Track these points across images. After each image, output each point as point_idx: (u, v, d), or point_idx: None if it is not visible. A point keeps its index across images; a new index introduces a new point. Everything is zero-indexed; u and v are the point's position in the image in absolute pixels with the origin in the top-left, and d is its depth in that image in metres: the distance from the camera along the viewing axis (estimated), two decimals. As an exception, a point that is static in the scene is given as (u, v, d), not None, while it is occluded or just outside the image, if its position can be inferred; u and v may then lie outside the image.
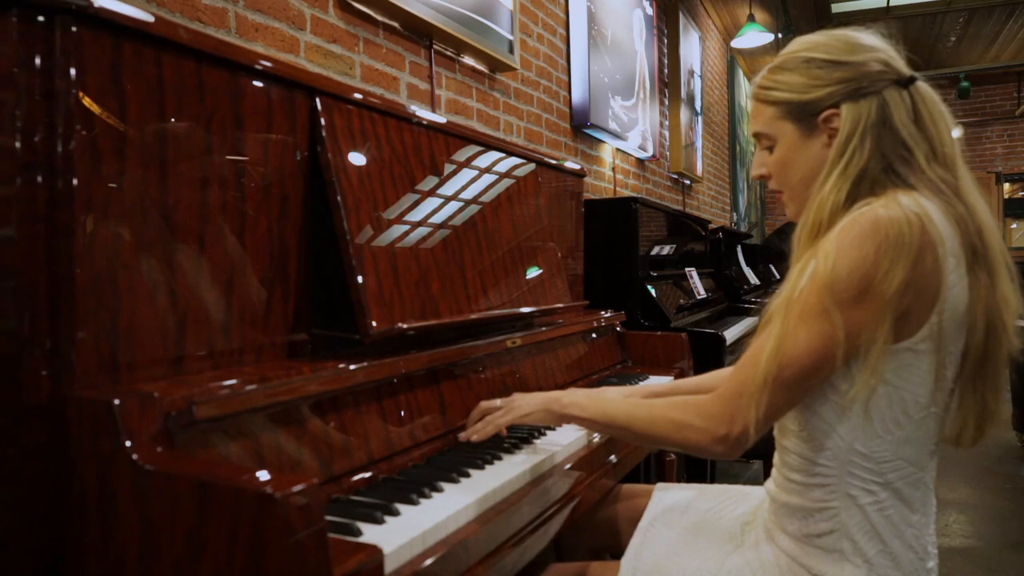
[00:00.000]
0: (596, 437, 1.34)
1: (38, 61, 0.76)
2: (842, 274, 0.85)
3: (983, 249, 0.91)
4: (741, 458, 3.35)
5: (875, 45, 0.97)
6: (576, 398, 1.13)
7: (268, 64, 1.03)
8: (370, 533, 0.80)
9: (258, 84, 1.02)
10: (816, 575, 0.96)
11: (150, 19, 0.86)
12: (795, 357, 0.88)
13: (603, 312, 2.04)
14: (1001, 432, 4.09)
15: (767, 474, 1.10)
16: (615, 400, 1.10)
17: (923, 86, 0.96)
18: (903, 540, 0.94)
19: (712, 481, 2.90)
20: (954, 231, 0.89)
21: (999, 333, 0.91)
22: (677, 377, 1.93)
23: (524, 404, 1.16)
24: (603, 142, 3.62)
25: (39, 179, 0.76)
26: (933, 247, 0.86)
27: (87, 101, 0.79)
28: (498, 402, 1.20)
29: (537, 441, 1.24)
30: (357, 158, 1.15)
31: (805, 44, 1.00)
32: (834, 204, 0.93)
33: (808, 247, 0.94)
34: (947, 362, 0.91)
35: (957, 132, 0.97)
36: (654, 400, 1.06)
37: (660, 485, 1.31)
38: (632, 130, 3.82)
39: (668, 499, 1.25)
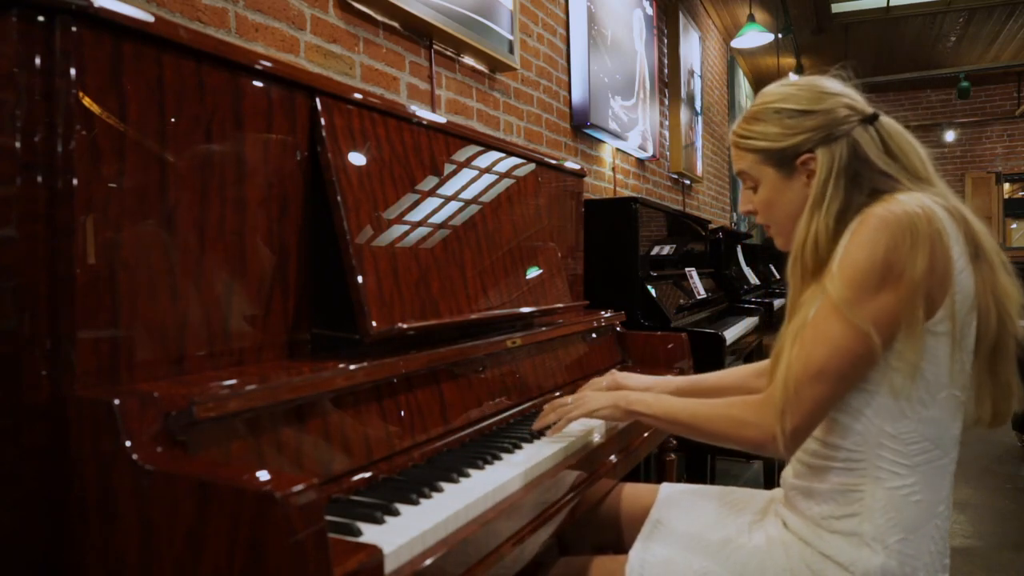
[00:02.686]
0: (596, 437, 1.34)
1: (38, 61, 0.76)
2: (864, 265, 0.92)
3: (979, 245, 0.98)
4: (740, 457, 3.35)
5: (839, 91, 1.05)
6: (643, 396, 1.18)
7: (268, 64, 1.03)
8: (370, 533, 0.80)
9: (258, 84, 1.02)
10: (829, 556, 0.97)
11: (150, 19, 0.86)
12: (836, 350, 0.93)
13: (603, 312, 2.04)
14: (1001, 432, 4.09)
15: (767, 474, 1.11)
16: (677, 400, 1.15)
17: (886, 120, 1.05)
18: (926, 531, 0.96)
19: (712, 481, 2.90)
20: (954, 224, 0.96)
21: (1007, 320, 0.98)
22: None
23: (594, 400, 1.21)
24: (603, 142, 3.62)
25: (39, 179, 0.76)
26: (940, 235, 0.92)
27: (87, 101, 0.79)
28: (569, 399, 1.25)
29: (537, 441, 1.24)
30: (357, 158, 1.16)
31: (776, 95, 1.07)
32: (821, 239, 1.00)
33: (802, 281, 1.02)
34: (963, 345, 0.96)
35: (922, 153, 1.05)
36: (714, 400, 1.10)
37: (666, 485, 1.32)
38: (632, 130, 3.82)
39: (675, 496, 1.26)
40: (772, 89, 1.09)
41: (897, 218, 0.91)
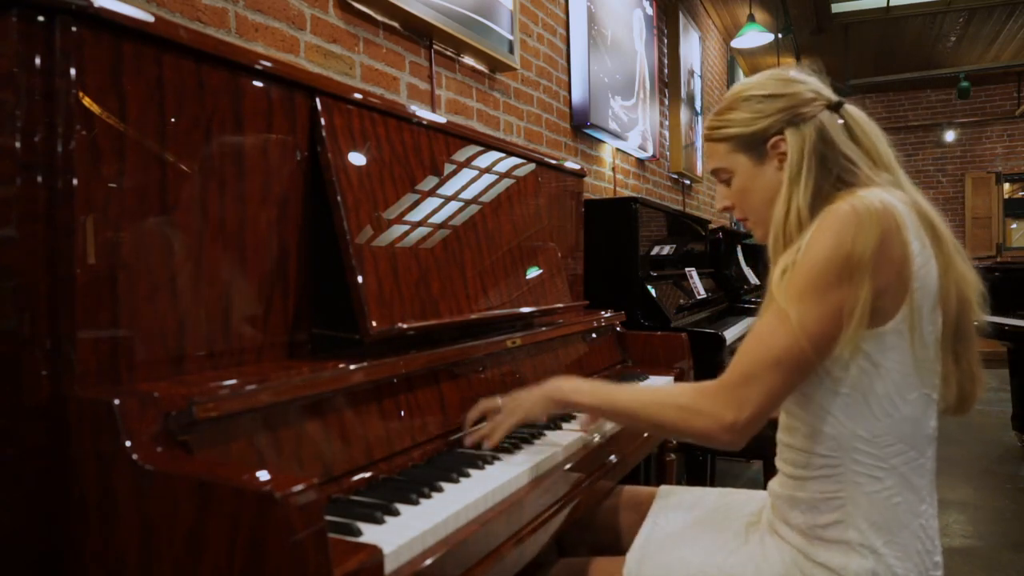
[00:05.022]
0: (596, 437, 1.34)
1: (38, 61, 0.76)
2: (826, 256, 0.92)
3: (938, 235, 0.99)
4: (740, 457, 3.35)
5: (805, 78, 1.08)
6: (577, 384, 1.14)
7: (268, 64, 1.03)
8: (370, 533, 0.80)
9: (258, 84, 1.02)
10: (821, 563, 0.96)
11: (150, 19, 0.86)
12: (794, 340, 0.92)
13: (603, 312, 2.04)
14: (1001, 432, 4.09)
15: (767, 475, 1.11)
16: (619, 387, 1.11)
17: (851, 107, 1.07)
18: (911, 531, 0.96)
19: (712, 482, 2.90)
20: (913, 215, 0.97)
21: (967, 305, 1.00)
22: (677, 377, 1.94)
23: (525, 401, 1.15)
24: (603, 142, 3.62)
25: (39, 179, 0.76)
26: (899, 229, 0.93)
27: (87, 101, 0.79)
28: (498, 400, 1.19)
29: (537, 441, 1.24)
30: (357, 158, 1.15)
31: (744, 85, 1.10)
32: (798, 218, 1.01)
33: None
34: (926, 342, 0.96)
35: (886, 142, 1.07)
36: (660, 387, 1.08)
37: (664, 487, 1.32)
38: (632, 130, 3.82)
39: (673, 498, 1.26)
40: (740, 82, 1.12)
41: (856, 214, 0.92)
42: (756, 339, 0.96)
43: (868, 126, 1.06)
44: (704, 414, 0.97)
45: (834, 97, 1.06)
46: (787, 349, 0.92)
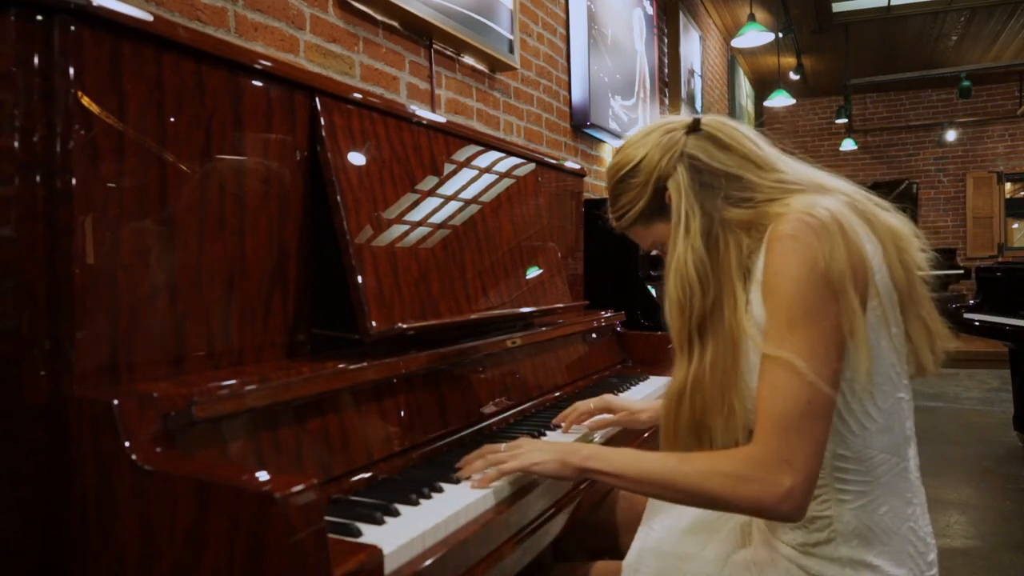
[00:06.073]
0: (596, 437, 1.33)
1: (37, 60, 0.76)
2: (802, 280, 0.87)
3: (864, 209, 0.97)
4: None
5: (649, 128, 1.08)
6: (599, 450, 1.00)
7: (268, 64, 1.03)
8: (370, 533, 0.80)
9: (258, 84, 1.02)
10: (816, 575, 0.96)
11: (149, 18, 0.86)
12: (811, 380, 0.86)
13: (603, 312, 2.04)
14: (1001, 432, 4.09)
15: None
16: (647, 455, 0.97)
17: (708, 118, 1.05)
18: (901, 536, 0.95)
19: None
20: (851, 211, 0.94)
21: (909, 261, 0.97)
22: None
23: (535, 452, 1.01)
24: (603, 142, 3.62)
25: (38, 179, 0.76)
26: (853, 232, 0.91)
27: (86, 101, 0.79)
28: (502, 447, 1.06)
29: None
30: (357, 158, 1.15)
31: (611, 169, 1.10)
32: (695, 263, 0.99)
33: (685, 316, 0.99)
34: (898, 337, 0.95)
35: (760, 140, 1.05)
36: (695, 454, 0.96)
37: None
38: (632, 130, 3.82)
39: (664, 502, 1.24)
40: (608, 168, 1.12)
41: (810, 227, 0.88)
42: (772, 393, 0.87)
43: (732, 128, 1.04)
44: (755, 480, 0.85)
45: (688, 120, 1.05)
46: (809, 391, 0.85)
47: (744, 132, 1.04)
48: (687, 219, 1.00)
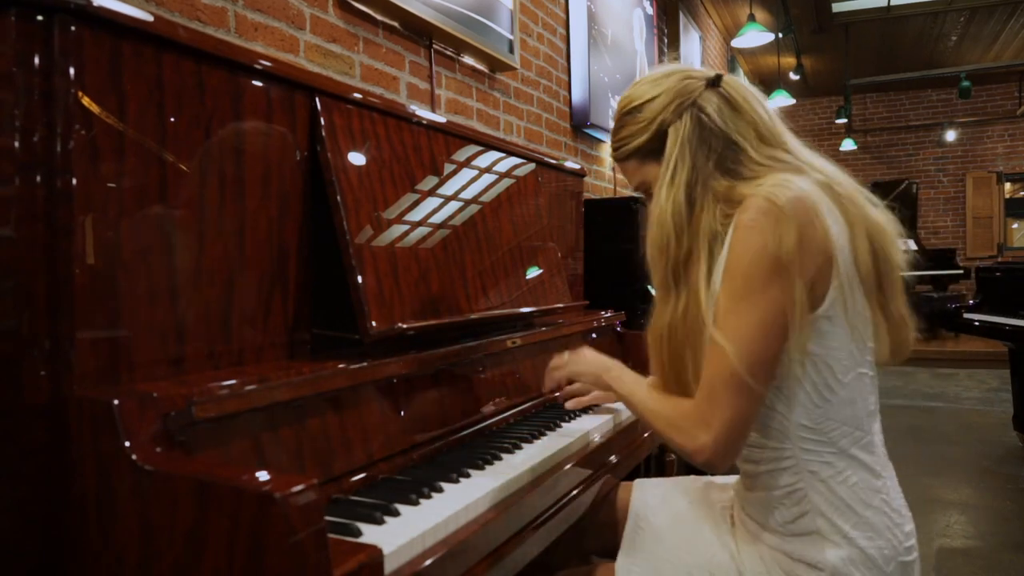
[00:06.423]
0: (596, 437, 1.34)
1: (37, 60, 0.76)
2: (752, 258, 0.91)
3: (843, 194, 0.99)
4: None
5: (671, 70, 1.08)
6: (621, 373, 1.22)
7: (268, 64, 1.03)
8: (370, 533, 0.80)
9: (258, 84, 1.02)
10: (799, 559, 0.97)
11: (149, 19, 0.86)
12: (742, 350, 0.91)
13: (603, 312, 2.04)
14: (1001, 432, 4.09)
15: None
16: (641, 388, 1.15)
17: (730, 78, 1.06)
18: (875, 508, 0.97)
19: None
20: (821, 192, 0.97)
21: (884, 255, 0.99)
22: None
23: (583, 363, 1.29)
24: (603, 142, 3.62)
25: (38, 179, 0.76)
26: (819, 215, 0.93)
27: (86, 101, 0.79)
28: (566, 355, 1.33)
29: (537, 441, 1.24)
30: (357, 158, 1.15)
31: (624, 100, 1.11)
32: (674, 214, 1.01)
33: (668, 266, 1.03)
34: (861, 316, 0.97)
35: (773, 106, 1.06)
36: (662, 395, 1.09)
37: (638, 482, 1.31)
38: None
39: (647, 497, 1.24)
40: (623, 94, 1.12)
41: (775, 207, 0.91)
42: (708, 362, 0.95)
43: (749, 92, 1.05)
44: (682, 431, 0.98)
45: (711, 73, 1.05)
46: (731, 371, 0.92)
47: (760, 101, 1.06)
48: (675, 169, 1.02)
